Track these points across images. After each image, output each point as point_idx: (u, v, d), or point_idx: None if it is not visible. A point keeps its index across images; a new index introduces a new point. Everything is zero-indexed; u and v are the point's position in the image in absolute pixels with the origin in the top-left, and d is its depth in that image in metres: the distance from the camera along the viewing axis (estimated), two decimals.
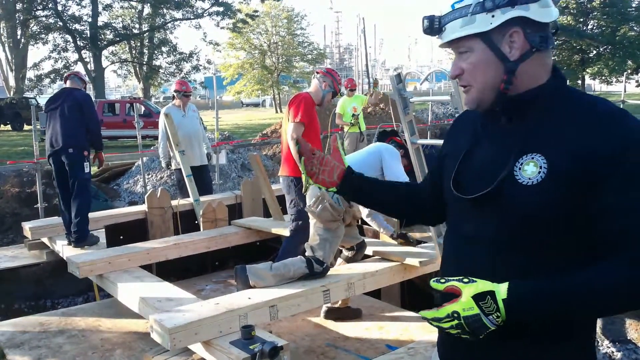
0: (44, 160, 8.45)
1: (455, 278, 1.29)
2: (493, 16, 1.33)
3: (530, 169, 1.32)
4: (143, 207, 6.20)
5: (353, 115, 9.89)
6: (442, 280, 1.30)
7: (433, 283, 1.32)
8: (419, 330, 4.10)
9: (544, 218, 1.30)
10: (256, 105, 55.32)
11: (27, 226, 5.86)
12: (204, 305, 3.48)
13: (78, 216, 5.31)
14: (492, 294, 1.24)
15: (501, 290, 1.24)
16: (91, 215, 6.06)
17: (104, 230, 5.71)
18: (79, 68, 31.69)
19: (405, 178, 4.15)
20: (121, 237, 5.58)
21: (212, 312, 3.29)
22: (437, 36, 1.44)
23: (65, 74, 6.06)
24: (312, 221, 4.00)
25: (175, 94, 6.99)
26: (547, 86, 1.38)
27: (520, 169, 1.33)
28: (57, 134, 5.49)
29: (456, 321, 1.25)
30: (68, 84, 5.77)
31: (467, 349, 1.42)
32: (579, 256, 1.31)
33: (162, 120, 6.76)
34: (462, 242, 1.44)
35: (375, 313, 4.55)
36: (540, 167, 1.30)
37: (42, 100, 37.78)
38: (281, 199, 6.17)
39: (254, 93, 45.52)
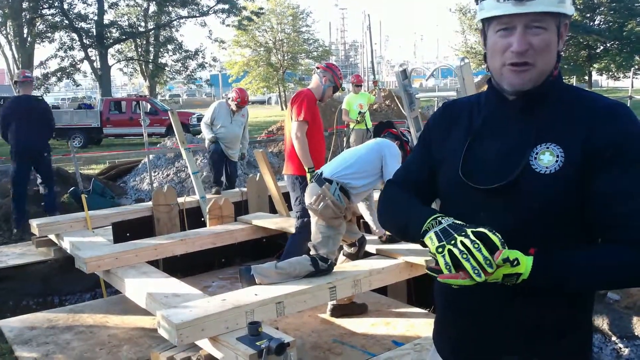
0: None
1: (512, 257, 1.25)
2: (569, 3, 1.36)
3: (547, 158, 1.33)
4: (149, 204, 6.22)
5: (359, 112, 9.87)
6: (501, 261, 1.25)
7: (502, 261, 1.25)
8: (425, 327, 4.10)
9: (560, 205, 1.32)
10: (262, 102, 55.34)
11: (34, 223, 5.89)
12: (211, 301, 3.49)
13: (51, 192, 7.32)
14: (518, 275, 1.26)
15: (527, 270, 1.25)
16: (99, 212, 6.10)
17: (111, 227, 5.73)
18: (85, 66, 31.83)
19: None
20: (128, 234, 5.60)
21: (218, 308, 3.30)
22: (515, 2, 1.32)
23: (19, 79, 6.90)
24: (314, 219, 4.00)
25: (231, 95, 7.31)
26: (557, 80, 1.41)
27: (535, 158, 1.34)
28: (34, 138, 6.97)
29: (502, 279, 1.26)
30: (25, 89, 6.97)
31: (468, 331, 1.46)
32: (582, 243, 1.37)
33: (210, 110, 7.26)
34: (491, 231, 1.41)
35: (381, 309, 4.55)
36: (557, 156, 1.32)
37: (49, 99, 37.97)
38: (287, 196, 6.19)
39: (260, 90, 45.52)
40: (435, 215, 1.36)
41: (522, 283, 1.27)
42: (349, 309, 4.40)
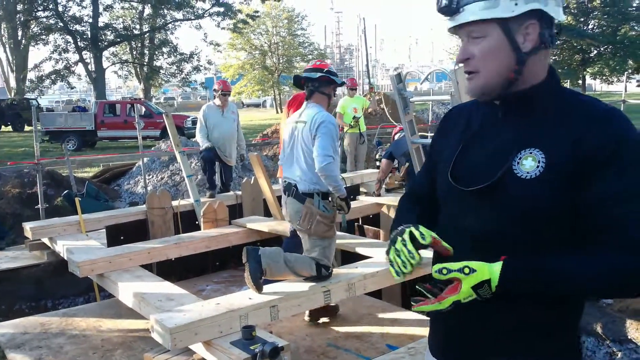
0: (45, 161, 8.48)
1: (456, 268, 1.32)
2: (516, 4, 1.33)
3: (529, 163, 1.34)
4: (144, 208, 6.21)
5: (354, 117, 9.87)
6: (445, 272, 1.33)
7: (436, 274, 1.35)
8: (420, 330, 4.10)
9: (542, 211, 1.32)
10: (257, 105, 55.35)
11: (28, 226, 5.86)
12: (205, 305, 3.48)
13: None
14: (488, 282, 1.30)
15: (496, 275, 1.30)
16: (92, 215, 6.08)
17: (104, 230, 5.71)
18: (80, 69, 31.74)
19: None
20: (122, 238, 5.58)
21: (212, 312, 3.29)
22: (449, 17, 1.41)
23: None
24: (304, 237, 3.91)
25: (215, 94, 7.22)
26: (546, 84, 1.40)
27: (519, 163, 1.35)
28: None
29: (461, 302, 1.33)
30: None
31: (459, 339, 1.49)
32: (569, 249, 1.34)
33: (200, 114, 7.11)
34: (459, 234, 1.44)
35: (375, 313, 4.55)
36: (539, 162, 1.33)
37: (43, 102, 37.89)
38: (281, 199, 6.19)
39: (255, 93, 45.55)
40: (405, 225, 1.42)
41: (498, 291, 1.30)
42: (325, 311, 4.33)
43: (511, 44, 1.36)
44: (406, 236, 1.37)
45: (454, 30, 1.42)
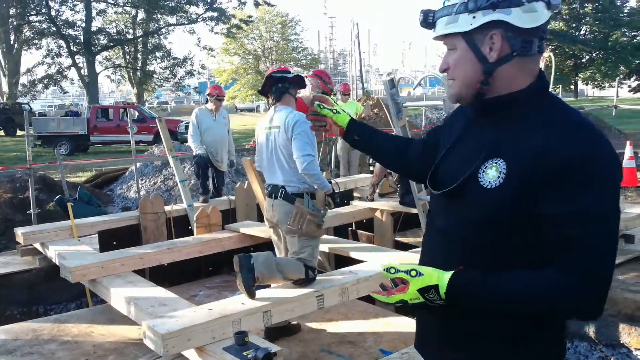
0: (37, 165, 8.44)
1: (404, 269, 1.39)
2: (474, 17, 1.36)
3: (492, 173, 1.37)
4: (136, 213, 6.18)
5: None
6: (392, 271, 1.40)
7: (384, 272, 1.42)
8: (413, 335, 4.09)
9: (502, 220, 1.35)
10: (250, 110, 55.30)
11: (19, 232, 5.83)
12: (197, 310, 3.47)
13: None
14: (435, 287, 1.35)
15: (444, 283, 1.34)
16: (85, 220, 6.05)
17: (97, 235, 5.69)
18: (73, 73, 31.65)
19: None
20: (114, 243, 5.56)
21: (205, 317, 3.28)
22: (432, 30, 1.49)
23: None
24: (293, 239, 3.90)
25: (208, 98, 7.22)
26: (526, 92, 1.40)
27: (484, 172, 1.39)
28: None
29: (404, 304, 1.40)
30: None
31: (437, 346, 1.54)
32: (535, 257, 1.35)
33: (192, 117, 7.08)
34: (435, 234, 1.52)
35: (369, 318, 4.55)
36: (500, 172, 1.35)
37: (36, 106, 37.73)
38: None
39: (248, 98, 45.58)
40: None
41: (448, 300, 1.34)
42: (285, 329, 4.24)
43: (476, 55, 1.39)
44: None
45: (437, 40, 1.50)
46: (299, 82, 4.09)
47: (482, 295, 1.33)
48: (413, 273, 1.37)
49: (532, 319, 1.39)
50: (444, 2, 1.43)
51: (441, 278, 1.35)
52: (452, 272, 1.35)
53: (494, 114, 1.44)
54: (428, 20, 1.46)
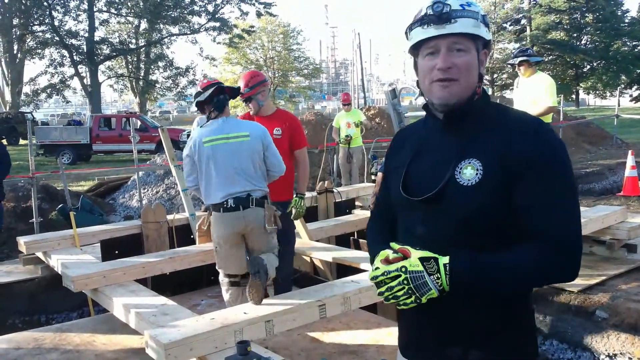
0: (39, 175, 8.47)
1: (404, 246, 1.48)
2: (487, 31, 1.55)
3: (469, 172, 1.47)
4: (138, 222, 6.19)
5: (346, 135, 9.95)
6: (400, 244, 1.50)
7: (392, 243, 1.51)
8: None
9: (484, 215, 1.46)
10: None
11: (22, 241, 5.83)
12: (200, 320, 3.46)
13: None
14: (435, 259, 1.43)
15: (444, 257, 1.43)
16: (87, 229, 6.05)
17: (99, 244, 5.69)
18: (75, 83, 31.77)
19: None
20: (116, 252, 5.56)
21: (207, 327, 3.27)
22: (435, 25, 1.49)
23: None
24: (263, 239, 4.01)
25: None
26: (481, 99, 1.56)
27: (460, 172, 1.49)
28: None
29: (403, 275, 1.42)
30: None
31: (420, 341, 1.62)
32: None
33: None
34: (416, 242, 1.53)
35: (371, 328, 4.54)
36: (477, 170, 1.47)
37: (38, 115, 37.85)
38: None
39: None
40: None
41: (446, 274, 1.40)
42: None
43: (478, 62, 1.54)
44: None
45: (434, 42, 1.51)
46: (233, 93, 4.20)
47: (475, 269, 1.41)
48: (418, 247, 1.46)
49: (513, 311, 1.51)
50: (462, 5, 1.49)
51: (441, 256, 1.43)
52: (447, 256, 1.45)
53: (455, 121, 1.55)
54: (444, 12, 1.48)
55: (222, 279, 4.19)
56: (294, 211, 4.55)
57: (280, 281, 4.53)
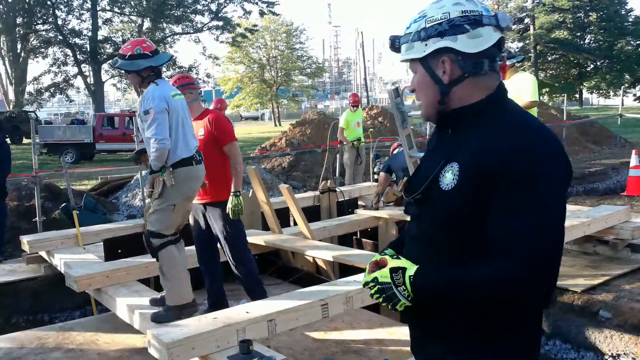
0: (42, 173, 8.48)
1: (390, 254, 1.55)
2: (426, 44, 1.51)
3: (449, 176, 1.48)
4: (141, 221, 6.20)
5: (358, 139, 9.99)
6: (382, 253, 1.57)
7: (377, 254, 1.59)
8: None
9: (460, 219, 1.45)
10: (255, 118, 55.49)
11: (25, 240, 5.85)
12: (202, 319, 3.47)
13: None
14: (403, 270, 1.47)
15: (412, 269, 1.46)
16: (90, 228, 6.07)
17: (102, 243, 5.70)
18: (79, 82, 31.82)
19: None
20: (119, 251, 5.57)
21: (209, 326, 3.28)
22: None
23: None
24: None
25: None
26: (479, 103, 1.52)
27: (443, 175, 1.50)
28: None
29: (377, 286, 1.49)
30: None
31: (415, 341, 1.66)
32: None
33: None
34: (410, 240, 1.65)
35: (373, 327, 4.53)
36: (455, 174, 1.47)
37: (42, 114, 37.93)
38: (279, 212, 6.18)
39: (253, 106, 45.68)
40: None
41: (412, 286, 1.43)
42: None
43: (432, 78, 1.53)
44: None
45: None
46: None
47: (437, 284, 1.43)
48: (395, 256, 1.52)
49: (501, 320, 1.46)
50: (406, 29, 1.56)
51: (412, 265, 1.47)
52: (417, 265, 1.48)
53: (451, 125, 1.57)
54: (395, 45, 1.59)
55: (162, 240, 3.85)
56: (229, 210, 4.35)
57: (244, 280, 4.62)
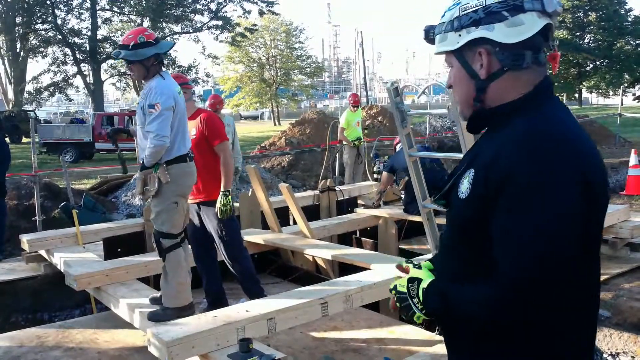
0: (42, 172, 8.47)
1: (416, 262, 1.52)
2: (460, 35, 1.37)
3: (465, 184, 1.38)
4: (141, 220, 6.20)
5: (358, 138, 9.99)
6: (408, 262, 1.54)
7: (403, 262, 1.57)
8: (418, 344, 4.09)
9: (471, 229, 1.36)
10: (254, 118, 55.47)
11: (24, 239, 5.84)
12: (202, 318, 3.47)
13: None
14: (419, 281, 1.42)
15: (426, 281, 1.42)
16: (89, 227, 6.07)
17: (101, 242, 5.70)
18: (78, 81, 31.81)
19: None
20: (119, 250, 5.57)
21: (209, 324, 3.28)
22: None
23: None
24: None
25: (211, 109, 7.26)
26: (514, 103, 1.36)
27: (461, 182, 1.40)
28: None
29: (397, 295, 1.46)
30: None
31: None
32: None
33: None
34: (440, 246, 1.59)
35: (373, 326, 4.54)
36: (469, 183, 1.36)
37: (41, 113, 37.90)
38: (279, 211, 6.18)
39: (253, 106, 45.67)
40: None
41: (422, 297, 1.40)
42: None
43: (468, 72, 1.39)
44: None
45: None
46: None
47: (436, 301, 1.37)
48: (417, 266, 1.50)
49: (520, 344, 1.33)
50: (442, 17, 1.42)
51: (428, 276, 1.43)
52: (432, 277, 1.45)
53: (482, 126, 1.45)
54: (430, 36, 1.48)
55: (172, 242, 3.79)
56: (218, 210, 4.34)
57: (241, 278, 4.63)
